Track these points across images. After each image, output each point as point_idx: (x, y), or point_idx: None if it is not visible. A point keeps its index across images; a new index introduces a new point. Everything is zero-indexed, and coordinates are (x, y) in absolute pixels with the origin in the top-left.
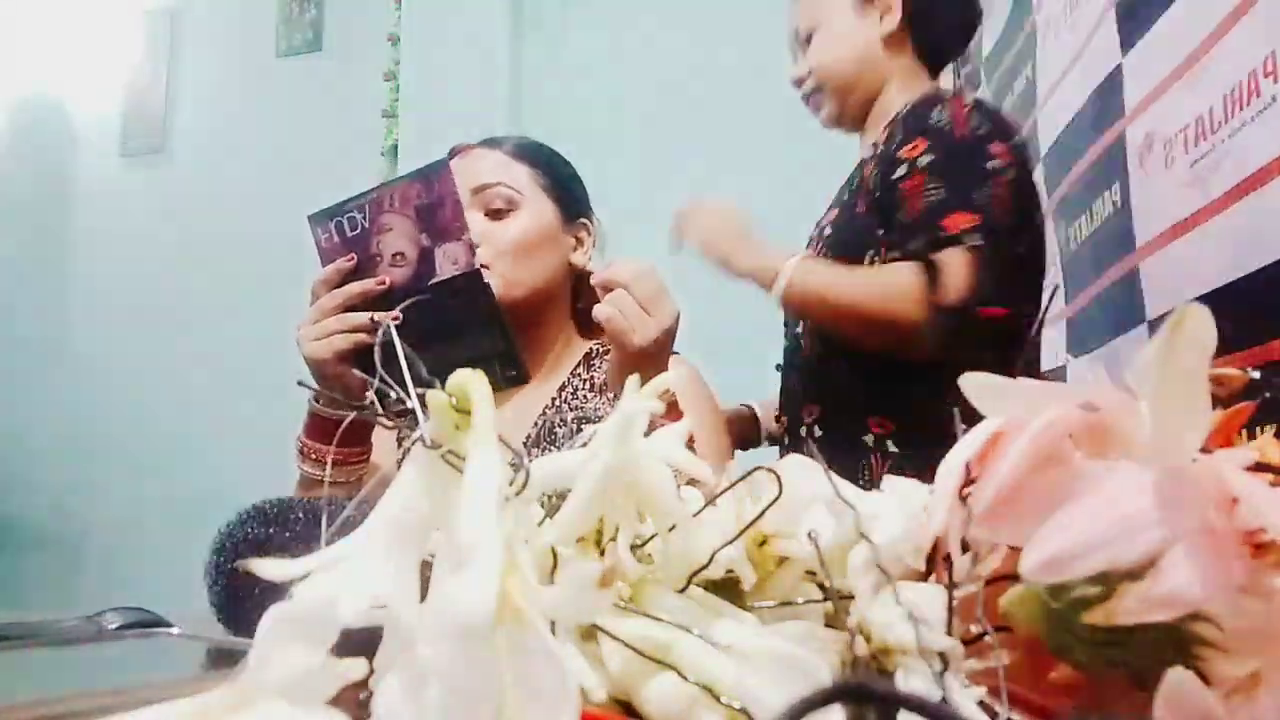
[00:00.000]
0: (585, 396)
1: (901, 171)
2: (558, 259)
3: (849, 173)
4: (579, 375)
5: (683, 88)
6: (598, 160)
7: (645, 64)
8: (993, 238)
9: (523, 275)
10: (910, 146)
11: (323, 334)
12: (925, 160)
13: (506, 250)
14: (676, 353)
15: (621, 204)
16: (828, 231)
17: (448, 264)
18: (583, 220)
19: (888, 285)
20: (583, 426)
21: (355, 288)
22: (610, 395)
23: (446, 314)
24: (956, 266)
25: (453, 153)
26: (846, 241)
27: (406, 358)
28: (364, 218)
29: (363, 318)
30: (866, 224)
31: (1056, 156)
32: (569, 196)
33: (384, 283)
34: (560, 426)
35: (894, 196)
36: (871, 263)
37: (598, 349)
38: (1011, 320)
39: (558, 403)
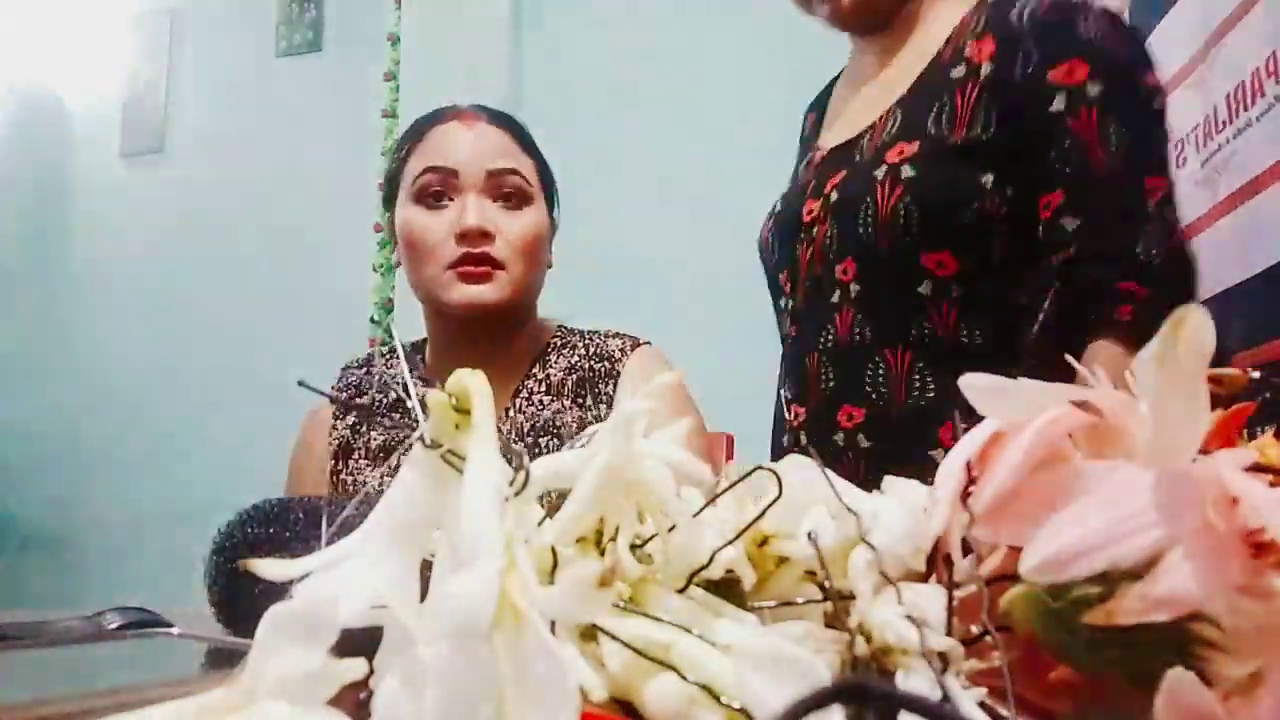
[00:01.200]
0: (541, 402)
1: (1060, 103)
2: (545, 260)
3: (897, 94)
4: (535, 376)
5: (683, 88)
6: (597, 160)
7: (645, 64)
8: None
9: (524, 276)
10: (1062, 68)
11: None
12: (1094, 91)
13: (518, 247)
14: (648, 341)
15: (621, 204)
16: (908, 173)
17: None
18: (554, 221)
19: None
20: (539, 439)
21: None
22: (567, 400)
23: None
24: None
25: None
26: (939, 187)
27: (407, 358)
28: None
29: None
30: (965, 165)
31: None
32: (554, 195)
33: None
34: (513, 433)
35: (1047, 132)
36: (964, 224)
37: (555, 342)
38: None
39: (512, 412)
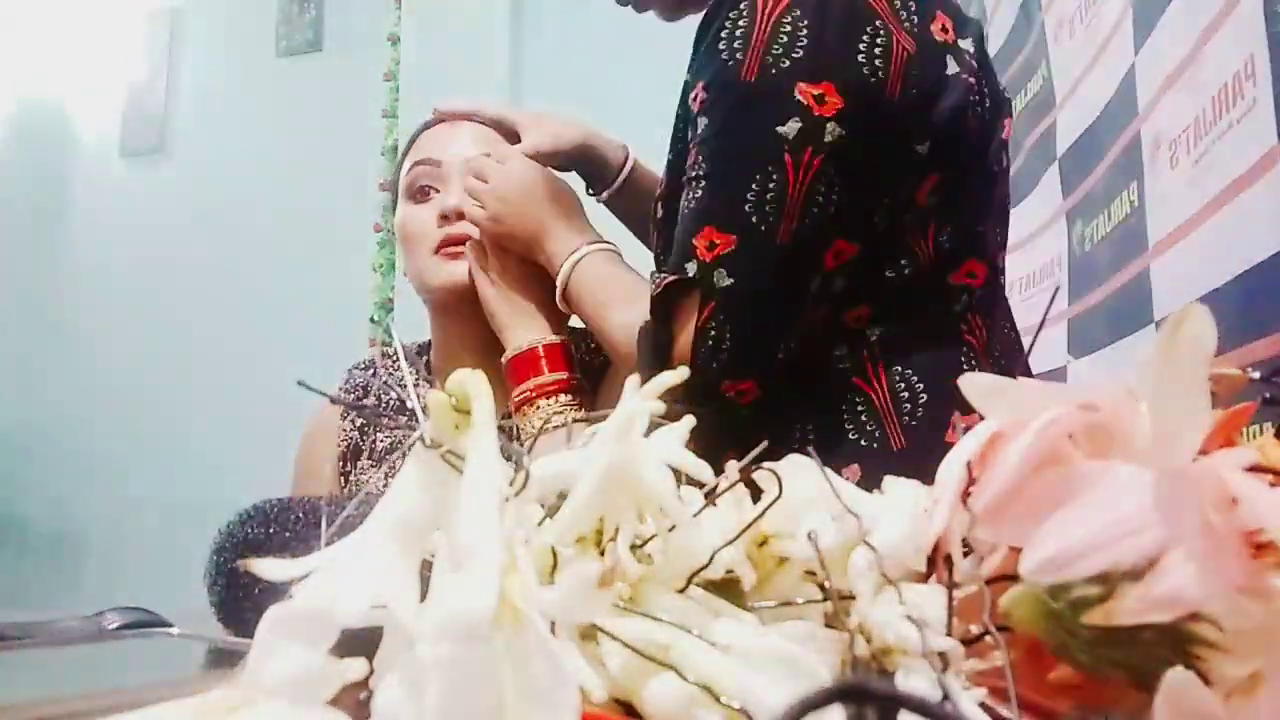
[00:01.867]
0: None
1: (688, 131)
2: None
3: None
4: None
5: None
6: None
7: (645, 64)
8: (754, 274)
9: None
10: (694, 92)
11: None
12: (702, 124)
13: None
14: None
15: None
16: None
17: None
18: None
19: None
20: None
21: None
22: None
23: None
24: (684, 314)
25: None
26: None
27: (411, 360)
28: None
29: None
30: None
31: (1076, 157)
32: None
33: None
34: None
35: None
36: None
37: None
38: (756, 397)
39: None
